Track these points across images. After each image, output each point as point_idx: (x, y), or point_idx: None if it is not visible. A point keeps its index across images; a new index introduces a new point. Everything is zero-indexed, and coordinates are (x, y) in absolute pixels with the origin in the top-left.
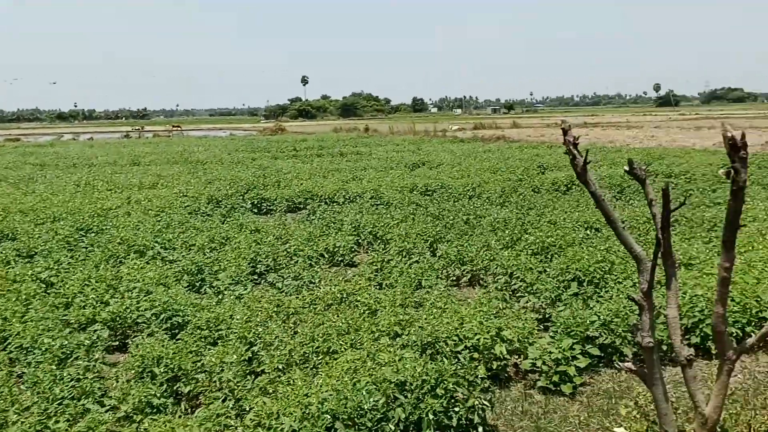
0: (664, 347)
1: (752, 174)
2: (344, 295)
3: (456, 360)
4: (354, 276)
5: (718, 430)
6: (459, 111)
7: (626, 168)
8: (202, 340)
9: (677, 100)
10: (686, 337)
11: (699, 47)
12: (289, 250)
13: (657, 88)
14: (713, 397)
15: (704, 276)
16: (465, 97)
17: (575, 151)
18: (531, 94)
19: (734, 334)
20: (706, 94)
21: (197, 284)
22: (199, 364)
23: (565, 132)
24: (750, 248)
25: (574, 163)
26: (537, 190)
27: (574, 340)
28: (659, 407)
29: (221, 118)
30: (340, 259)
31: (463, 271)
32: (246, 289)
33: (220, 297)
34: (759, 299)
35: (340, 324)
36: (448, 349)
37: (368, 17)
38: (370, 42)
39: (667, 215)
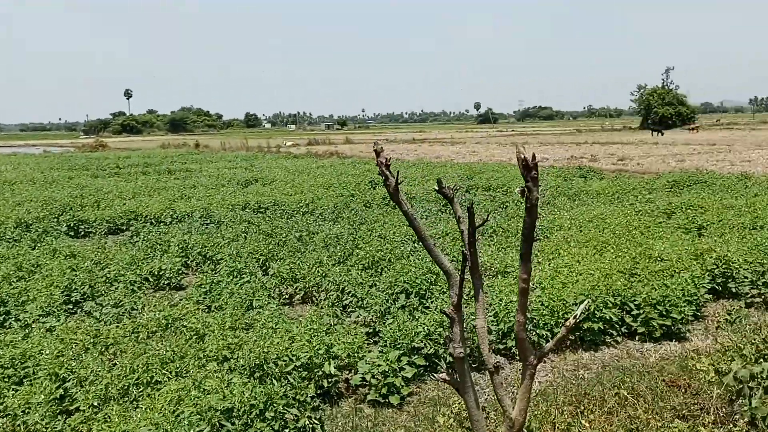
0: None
1: (559, 186)
2: (170, 321)
3: (286, 381)
4: (181, 300)
5: (525, 431)
6: (293, 127)
7: (435, 188)
8: (5, 380)
9: (495, 117)
10: (503, 341)
11: (514, 70)
12: (108, 275)
13: (477, 106)
14: (518, 401)
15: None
16: (299, 112)
17: (387, 172)
18: (363, 111)
19: (544, 336)
20: (520, 112)
21: (0, 319)
22: (0, 407)
23: (377, 153)
24: (557, 255)
25: (386, 184)
26: (368, 205)
27: (401, 352)
28: (471, 414)
29: (34, 134)
30: (166, 282)
31: (296, 288)
32: (59, 321)
33: (27, 331)
34: (564, 302)
35: (164, 352)
36: (278, 370)
37: (196, 30)
38: (202, 56)
39: (472, 231)
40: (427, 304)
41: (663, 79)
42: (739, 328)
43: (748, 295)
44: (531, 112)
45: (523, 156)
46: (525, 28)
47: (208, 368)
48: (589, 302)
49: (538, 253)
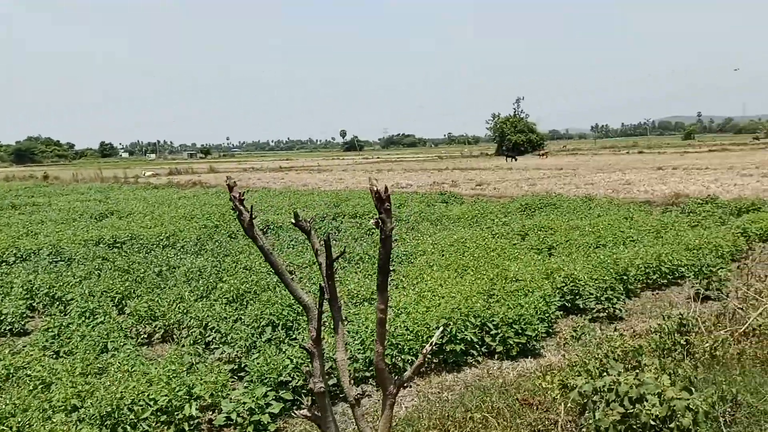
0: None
1: (422, 211)
2: (11, 371)
3: (142, 427)
4: (25, 346)
5: None
6: (153, 156)
7: (293, 221)
8: None
9: (361, 145)
10: (370, 368)
11: (377, 99)
12: None
13: (343, 134)
14: (380, 430)
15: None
16: (159, 141)
17: (241, 207)
18: (228, 139)
19: (409, 361)
20: (385, 140)
21: None
22: None
23: (230, 188)
24: (421, 279)
25: (241, 219)
26: (234, 236)
27: (268, 387)
28: None
29: None
30: (7, 328)
31: (155, 327)
32: None
33: None
34: (428, 326)
35: (4, 406)
36: (133, 416)
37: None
38: (48, 78)
39: (330, 264)
40: (295, 336)
41: (515, 108)
42: (586, 342)
43: (594, 310)
44: (395, 139)
45: (375, 188)
46: (386, 60)
47: (54, 420)
48: (445, 328)
49: (403, 279)
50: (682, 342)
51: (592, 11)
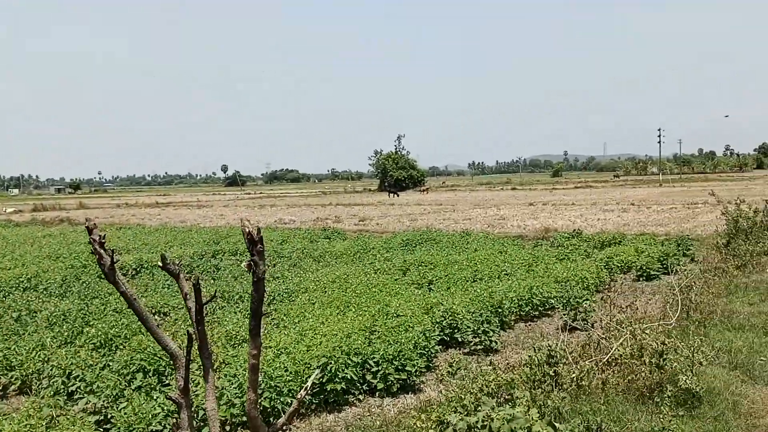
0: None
1: (305, 248)
2: None
3: None
4: None
5: None
6: (16, 191)
7: (160, 264)
8: None
9: (244, 180)
10: None
11: (261, 135)
12: None
13: (225, 168)
14: None
15: (263, 350)
16: (23, 176)
17: (101, 251)
18: (100, 173)
19: (289, 403)
20: (268, 175)
21: None
22: None
23: (90, 230)
24: (302, 318)
25: (101, 263)
26: (102, 277)
27: None
28: None
29: None
30: None
31: (11, 378)
32: None
33: None
34: (309, 365)
35: None
36: None
37: None
38: None
39: (200, 309)
40: (168, 381)
41: (396, 145)
42: (463, 376)
43: (471, 344)
44: (278, 174)
45: (248, 229)
46: (268, 95)
47: None
48: (325, 368)
49: (284, 317)
50: (551, 373)
51: (466, 56)
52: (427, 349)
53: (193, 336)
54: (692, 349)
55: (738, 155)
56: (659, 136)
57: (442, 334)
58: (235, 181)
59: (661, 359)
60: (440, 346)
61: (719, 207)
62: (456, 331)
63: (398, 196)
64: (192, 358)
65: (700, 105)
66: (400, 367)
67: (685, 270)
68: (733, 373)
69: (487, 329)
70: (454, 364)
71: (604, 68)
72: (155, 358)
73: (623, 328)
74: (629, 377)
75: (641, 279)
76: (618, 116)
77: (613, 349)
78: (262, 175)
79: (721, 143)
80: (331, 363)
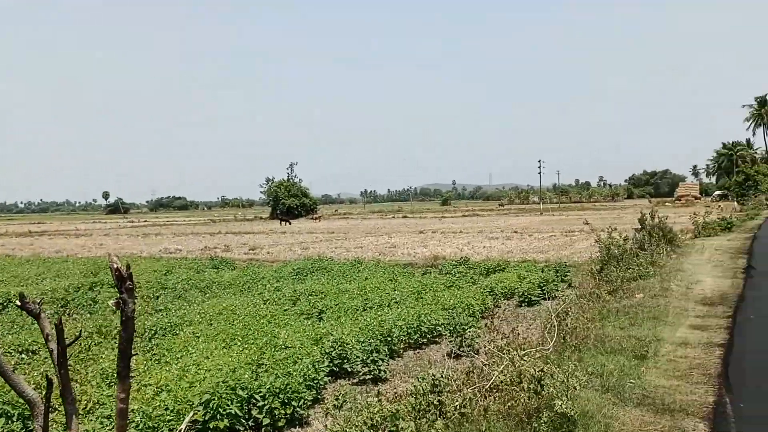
0: None
1: (191, 278)
2: None
3: None
4: None
5: None
6: None
7: (18, 303)
8: None
9: (127, 207)
10: None
11: (147, 161)
12: None
13: (106, 195)
14: None
15: (142, 387)
16: None
17: None
18: None
19: None
20: (153, 202)
21: None
22: None
23: None
24: (186, 352)
25: None
26: None
27: None
28: None
29: None
30: None
31: None
32: None
33: None
34: (191, 403)
35: None
36: None
37: None
38: None
39: (62, 351)
40: (32, 427)
41: (288, 173)
42: (351, 407)
43: (360, 374)
44: (165, 201)
45: (116, 266)
46: (153, 119)
47: None
48: (208, 404)
49: (166, 352)
50: (435, 402)
51: (356, 86)
52: (315, 381)
53: (53, 381)
54: (567, 374)
55: (610, 186)
56: (539, 167)
57: (331, 364)
58: (118, 208)
59: (538, 385)
60: (330, 377)
61: (593, 235)
62: (345, 361)
63: (290, 224)
64: (51, 405)
65: (576, 138)
66: (286, 401)
67: (563, 296)
68: (605, 395)
69: (376, 358)
70: (340, 397)
71: (484, 105)
72: (20, 401)
73: (504, 354)
74: (509, 403)
75: (523, 305)
76: (501, 148)
77: (494, 376)
78: (147, 202)
79: (596, 174)
80: (214, 399)
